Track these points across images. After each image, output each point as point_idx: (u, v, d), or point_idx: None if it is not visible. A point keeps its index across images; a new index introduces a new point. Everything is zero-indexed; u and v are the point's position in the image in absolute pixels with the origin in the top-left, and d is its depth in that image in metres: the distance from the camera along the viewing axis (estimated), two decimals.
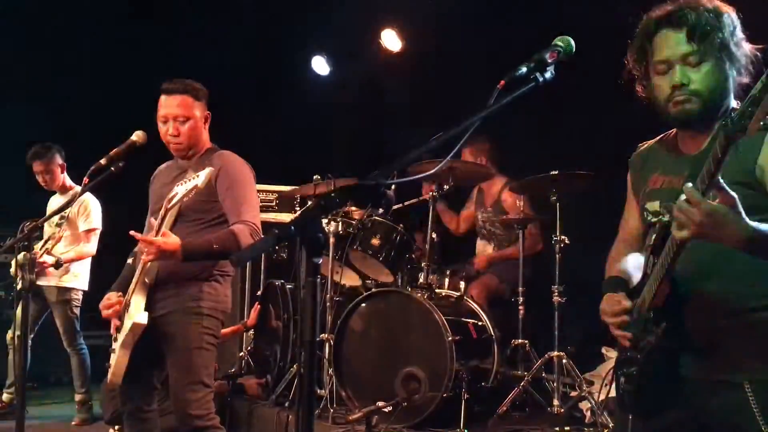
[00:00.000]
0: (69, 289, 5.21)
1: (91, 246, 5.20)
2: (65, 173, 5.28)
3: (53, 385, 6.37)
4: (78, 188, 5.20)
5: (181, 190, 2.77)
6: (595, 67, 4.06)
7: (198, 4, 7.02)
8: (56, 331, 5.26)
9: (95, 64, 6.95)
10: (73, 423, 5.17)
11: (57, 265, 4.95)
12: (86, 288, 5.32)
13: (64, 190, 5.28)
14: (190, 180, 2.77)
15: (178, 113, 3.04)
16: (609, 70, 5.06)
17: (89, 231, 5.18)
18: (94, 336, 6.99)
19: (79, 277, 5.26)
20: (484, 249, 5.34)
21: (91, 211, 5.21)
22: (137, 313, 2.87)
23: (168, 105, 3.06)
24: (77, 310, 5.27)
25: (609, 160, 4.84)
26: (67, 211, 5.03)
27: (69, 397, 5.50)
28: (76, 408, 5.20)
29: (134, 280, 2.97)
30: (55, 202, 5.33)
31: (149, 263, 2.90)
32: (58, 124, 6.45)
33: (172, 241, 2.76)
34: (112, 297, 3.05)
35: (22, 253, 2.96)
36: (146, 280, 2.93)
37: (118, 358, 2.89)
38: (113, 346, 2.97)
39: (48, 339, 5.32)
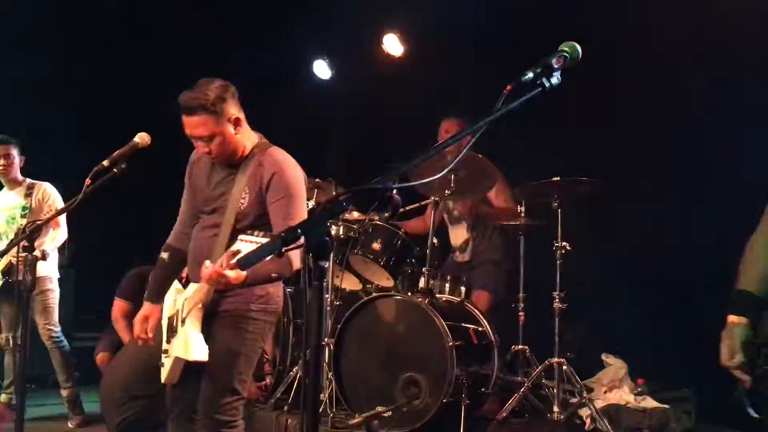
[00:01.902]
0: (44, 278, 5.09)
1: (63, 229, 5.11)
2: (21, 167, 5.26)
3: (52, 387, 6.34)
4: (30, 180, 5.23)
5: (245, 247, 2.45)
6: (598, 74, 4.08)
7: (199, 5, 7.03)
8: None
9: (88, 69, 6.92)
10: (70, 425, 5.12)
11: (43, 257, 4.88)
12: (58, 275, 5.26)
13: (15, 183, 5.24)
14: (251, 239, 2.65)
15: (203, 134, 2.85)
16: (612, 76, 5.10)
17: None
18: (89, 338, 6.98)
19: (49, 266, 5.18)
20: (461, 235, 5.16)
21: (54, 197, 5.20)
22: (197, 345, 2.75)
23: (189, 126, 2.86)
24: (55, 300, 5.17)
25: (610, 167, 4.90)
26: (27, 202, 5.08)
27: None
28: (67, 407, 5.14)
29: (191, 300, 2.84)
30: (3, 198, 5.23)
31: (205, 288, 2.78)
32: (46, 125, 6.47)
33: (240, 276, 2.61)
34: (150, 313, 2.99)
35: (24, 254, 2.94)
36: (201, 304, 2.82)
37: (174, 363, 2.82)
38: (165, 347, 2.92)
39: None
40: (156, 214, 6.90)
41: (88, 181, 2.96)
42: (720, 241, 4.62)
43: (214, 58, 7.06)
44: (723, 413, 4.36)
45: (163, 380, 2.92)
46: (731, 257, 4.60)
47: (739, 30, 4.41)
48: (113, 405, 4.04)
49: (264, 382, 4.77)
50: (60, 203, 5.20)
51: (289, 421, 4.19)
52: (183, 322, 2.84)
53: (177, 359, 2.82)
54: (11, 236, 4.99)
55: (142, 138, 3.05)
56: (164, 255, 3.09)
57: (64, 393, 5.16)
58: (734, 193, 4.58)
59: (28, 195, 5.16)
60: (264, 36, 6.96)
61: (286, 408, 4.33)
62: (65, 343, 5.20)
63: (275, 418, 4.28)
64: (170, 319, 2.96)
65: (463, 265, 5.10)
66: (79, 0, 6.65)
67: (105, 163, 2.97)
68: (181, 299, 2.92)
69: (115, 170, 2.96)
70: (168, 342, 2.94)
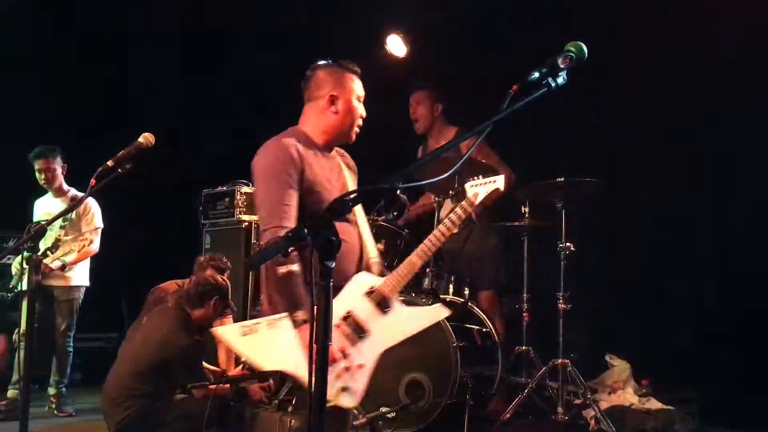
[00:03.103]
0: (76, 288, 5.35)
1: (95, 245, 5.28)
2: (63, 176, 5.39)
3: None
4: (74, 191, 5.38)
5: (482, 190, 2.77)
6: (601, 73, 4.08)
7: (202, 6, 7.03)
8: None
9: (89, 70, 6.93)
10: (59, 414, 5.23)
11: (63, 268, 5.08)
12: (88, 284, 5.46)
13: (60, 192, 5.39)
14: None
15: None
16: (617, 76, 5.09)
17: (93, 231, 5.27)
18: (93, 338, 6.98)
19: (83, 274, 5.40)
20: (449, 205, 5.00)
21: (93, 212, 5.33)
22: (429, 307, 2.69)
23: (362, 88, 2.94)
24: (78, 308, 5.40)
25: (614, 167, 4.89)
26: (70, 213, 5.13)
27: (71, 399, 5.50)
28: (54, 402, 5.27)
29: (391, 285, 2.65)
30: (48, 204, 5.37)
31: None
32: (61, 126, 6.49)
33: None
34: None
35: (29, 255, 2.93)
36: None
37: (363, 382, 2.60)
38: (348, 378, 2.59)
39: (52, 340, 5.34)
40: (160, 215, 6.96)
41: (92, 181, 2.95)
42: (724, 242, 4.63)
43: (215, 60, 7.08)
44: (727, 414, 4.35)
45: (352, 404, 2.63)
46: (735, 258, 4.61)
47: (742, 30, 4.42)
48: (113, 404, 4.05)
49: (267, 383, 4.76)
50: (99, 217, 5.33)
51: (293, 421, 4.18)
52: (385, 311, 2.64)
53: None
54: (48, 243, 5.03)
55: (146, 138, 3.04)
56: (297, 268, 2.53)
57: (53, 390, 5.31)
58: (739, 194, 4.58)
59: (74, 208, 5.23)
60: (266, 37, 6.95)
61: (290, 409, 4.32)
62: (72, 350, 5.41)
63: (279, 418, 4.27)
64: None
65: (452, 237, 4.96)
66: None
67: (109, 163, 2.95)
68: (357, 294, 2.64)
69: (119, 170, 2.95)
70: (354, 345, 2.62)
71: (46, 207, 5.39)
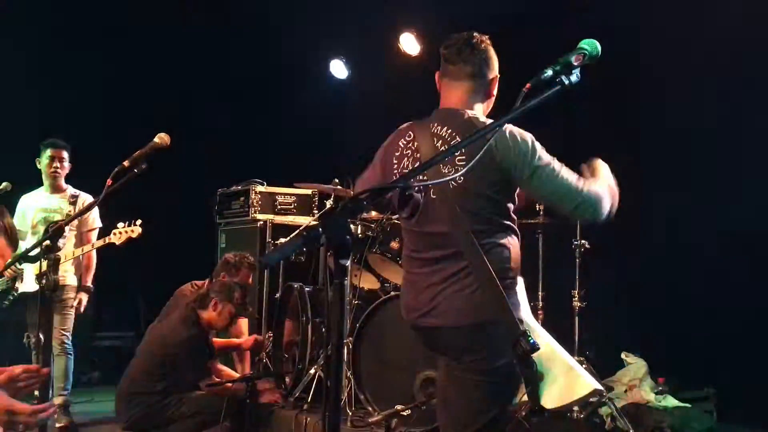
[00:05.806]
0: (71, 287, 5.17)
1: (94, 259, 5.23)
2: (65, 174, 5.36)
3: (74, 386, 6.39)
4: (73, 189, 5.30)
5: None
6: (610, 70, 4.06)
7: (214, 6, 7.08)
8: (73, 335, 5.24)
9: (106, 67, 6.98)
10: (57, 425, 5.02)
11: (87, 291, 5.12)
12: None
13: (59, 188, 5.31)
14: None
15: None
16: (630, 72, 5.06)
17: (91, 230, 5.25)
18: (109, 337, 7.03)
19: (74, 273, 5.24)
20: None
21: (92, 210, 5.21)
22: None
23: None
24: (73, 309, 5.20)
25: (630, 164, 4.86)
26: (71, 210, 5.12)
27: (87, 398, 5.53)
28: (58, 412, 5.02)
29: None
30: (41, 199, 5.29)
31: None
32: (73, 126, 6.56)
33: None
34: None
35: (46, 254, 2.96)
36: None
37: None
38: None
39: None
40: (175, 214, 7.01)
41: (109, 181, 2.97)
42: (741, 240, 4.60)
43: (231, 58, 7.12)
44: (745, 413, 4.32)
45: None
46: (749, 256, 4.58)
47: (741, 30, 4.39)
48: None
49: (283, 382, 4.79)
50: (97, 220, 5.27)
51: (308, 419, 4.21)
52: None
53: None
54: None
55: (161, 138, 3.06)
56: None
57: (58, 400, 5.03)
58: (751, 192, 4.55)
59: (72, 203, 5.21)
60: (281, 36, 6.98)
61: (305, 407, 4.35)
62: (72, 352, 5.20)
63: (294, 417, 4.30)
64: None
65: None
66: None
67: (125, 163, 2.98)
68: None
69: (135, 170, 2.97)
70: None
71: (40, 203, 5.27)
